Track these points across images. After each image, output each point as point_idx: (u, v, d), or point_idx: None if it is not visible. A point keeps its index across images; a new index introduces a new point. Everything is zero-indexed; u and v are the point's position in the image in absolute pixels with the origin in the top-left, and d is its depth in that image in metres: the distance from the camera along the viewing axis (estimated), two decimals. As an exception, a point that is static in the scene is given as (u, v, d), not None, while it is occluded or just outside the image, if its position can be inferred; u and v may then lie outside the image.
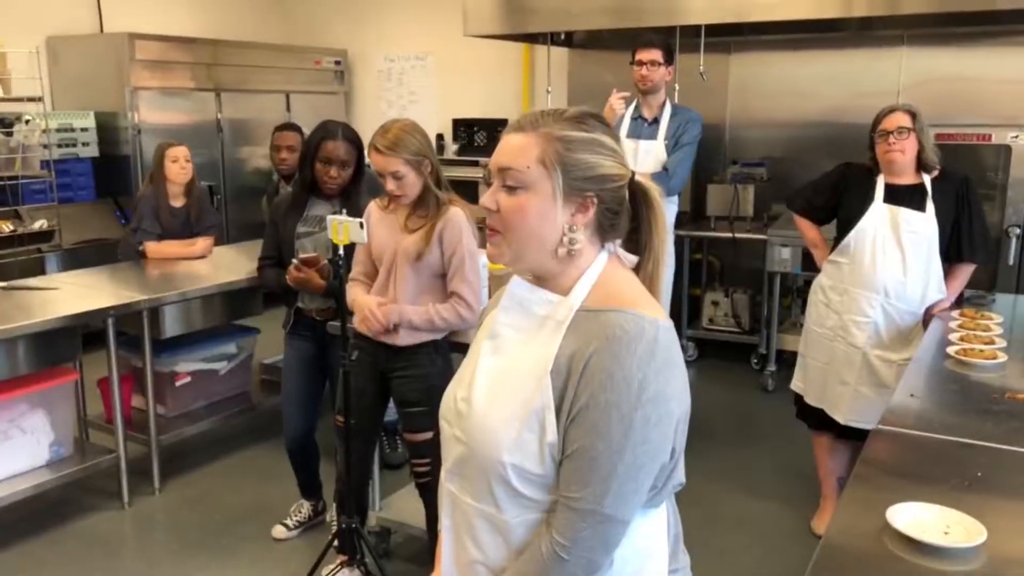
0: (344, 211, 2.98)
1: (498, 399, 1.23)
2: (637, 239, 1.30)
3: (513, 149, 1.23)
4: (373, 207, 2.79)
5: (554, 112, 1.25)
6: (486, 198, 1.25)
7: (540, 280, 1.27)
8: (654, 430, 1.15)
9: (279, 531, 3.39)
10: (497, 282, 3.12)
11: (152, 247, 4.20)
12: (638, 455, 1.15)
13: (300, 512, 3.45)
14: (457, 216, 2.65)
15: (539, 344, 1.22)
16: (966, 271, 3.20)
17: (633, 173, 1.27)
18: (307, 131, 4.11)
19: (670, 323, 1.21)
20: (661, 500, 1.27)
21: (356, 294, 2.74)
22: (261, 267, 3.30)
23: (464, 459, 1.27)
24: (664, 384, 1.16)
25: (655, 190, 1.29)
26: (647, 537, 1.26)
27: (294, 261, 3.03)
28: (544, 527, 1.20)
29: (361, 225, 2.51)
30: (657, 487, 1.22)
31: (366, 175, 3.20)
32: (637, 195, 1.28)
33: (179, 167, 4.17)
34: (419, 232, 2.63)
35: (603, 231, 1.26)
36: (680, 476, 1.27)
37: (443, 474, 1.33)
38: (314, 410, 3.30)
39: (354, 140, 3.08)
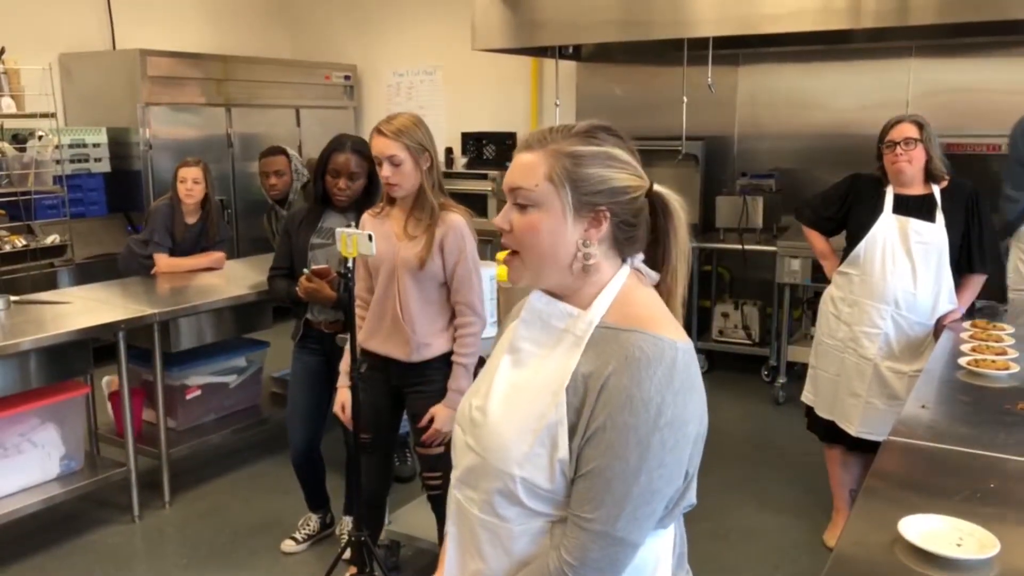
0: (354, 224, 2.99)
1: (513, 411, 1.23)
2: (655, 251, 1.29)
3: (522, 168, 1.23)
4: (366, 216, 2.76)
5: (563, 128, 1.24)
6: (499, 217, 1.25)
7: (560, 295, 1.26)
8: (670, 454, 1.14)
9: (288, 545, 3.39)
10: (506, 294, 3.13)
11: (163, 261, 4.23)
12: (654, 479, 1.13)
13: (308, 525, 3.45)
14: (458, 223, 2.62)
15: (557, 358, 1.22)
16: (977, 282, 3.18)
17: (652, 184, 1.25)
18: (309, 147, 4.09)
19: (690, 344, 1.20)
20: (671, 521, 1.25)
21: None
22: (272, 277, 3.31)
23: (474, 469, 1.26)
24: (683, 408, 1.14)
25: (676, 201, 1.26)
26: (653, 556, 1.25)
27: (305, 271, 3.04)
28: (550, 541, 1.19)
29: (370, 237, 2.50)
30: (668, 508, 1.21)
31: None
32: (657, 206, 1.26)
33: (186, 188, 4.18)
34: (418, 240, 2.60)
35: (620, 244, 1.24)
36: (691, 497, 1.26)
37: (452, 481, 1.33)
38: (320, 423, 3.29)
39: (365, 152, 3.05)
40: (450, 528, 1.34)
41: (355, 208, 3.11)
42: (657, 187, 1.26)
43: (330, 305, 3.09)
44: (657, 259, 1.29)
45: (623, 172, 1.23)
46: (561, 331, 1.24)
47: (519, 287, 1.30)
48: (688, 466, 1.19)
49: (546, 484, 1.18)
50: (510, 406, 1.24)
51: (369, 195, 3.11)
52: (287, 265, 3.24)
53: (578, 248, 1.21)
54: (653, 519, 1.17)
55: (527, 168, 1.22)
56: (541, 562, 1.19)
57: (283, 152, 4.01)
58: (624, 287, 1.24)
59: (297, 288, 3.08)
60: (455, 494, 1.31)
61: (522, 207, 1.22)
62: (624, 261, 1.26)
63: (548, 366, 1.22)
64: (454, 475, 1.32)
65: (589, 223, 1.21)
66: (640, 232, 1.25)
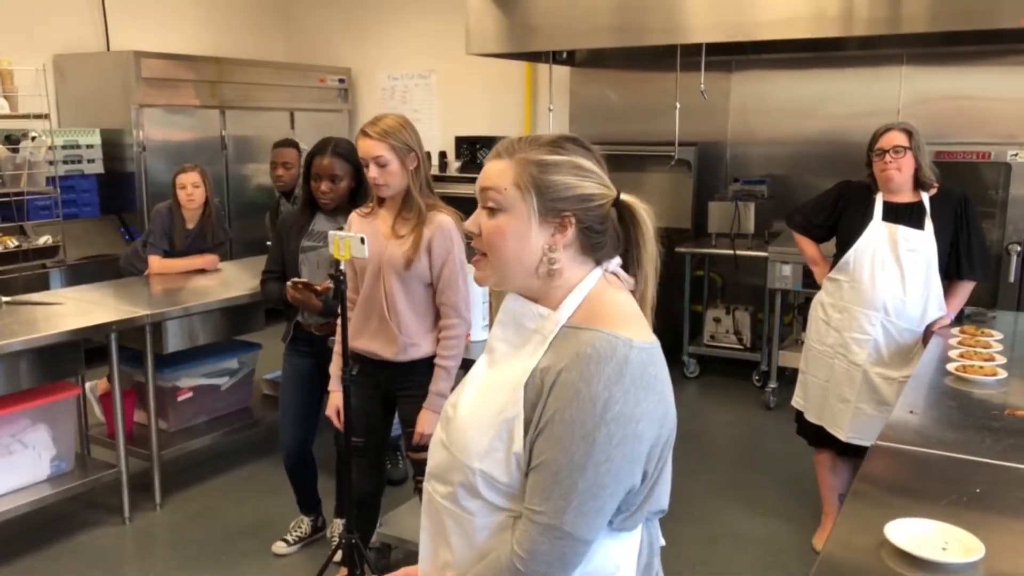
0: (344, 227, 3.00)
1: (478, 408, 1.27)
2: (628, 259, 1.33)
3: (492, 174, 1.28)
4: (354, 216, 2.77)
5: (531, 139, 1.29)
6: (470, 221, 1.30)
7: (531, 297, 1.30)
8: (617, 449, 1.15)
9: (279, 547, 3.39)
10: (498, 298, 3.13)
11: (156, 263, 4.24)
12: (600, 473, 1.15)
13: (300, 528, 3.45)
14: (446, 224, 2.63)
15: (522, 357, 1.26)
16: (966, 288, 3.20)
17: (619, 193, 1.29)
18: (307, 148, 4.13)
19: (652, 345, 1.22)
20: (634, 525, 1.26)
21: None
22: (264, 280, 3.32)
23: (443, 463, 1.30)
24: (632, 405, 1.16)
25: (643, 209, 1.30)
26: (613, 560, 1.26)
27: (290, 282, 3.03)
28: (509, 535, 1.22)
29: (362, 240, 2.51)
30: (629, 510, 1.22)
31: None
32: (624, 214, 1.30)
33: (186, 194, 4.21)
34: (405, 239, 2.61)
35: (590, 250, 1.28)
36: (660, 503, 1.28)
37: (426, 475, 1.36)
38: (312, 425, 3.30)
39: (347, 155, 3.05)
40: (423, 521, 1.36)
41: (345, 211, 3.11)
42: (624, 196, 1.30)
43: (318, 313, 3.09)
44: (631, 266, 1.33)
45: (588, 180, 1.27)
46: (531, 331, 1.27)
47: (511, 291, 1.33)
48: (647, 467, 1.21)
49: (504, 478, 1.21)
50: (477, 403, 1.28)
51: (356, 197, 3.11)
52: (279, 268, 3.24)
53: (544, 253, 1.25)
54: (602, 516, 1.19)
55: (496, 174, 1.27)
56: (496, 554, 1.22)
57: (294, 145, 4.11)
58: (594, 289, 1.27)
59: (287, 294, 3.07)
60: (426, 487, 1.34)
61: (491, 211, 1.27)
62: (597, 264, 1.30)
63: (514, 364, 1.26)
64: (428, 470, 1.35)
65: (555, 228, 1.26)
66: (607, 238, 1.29)
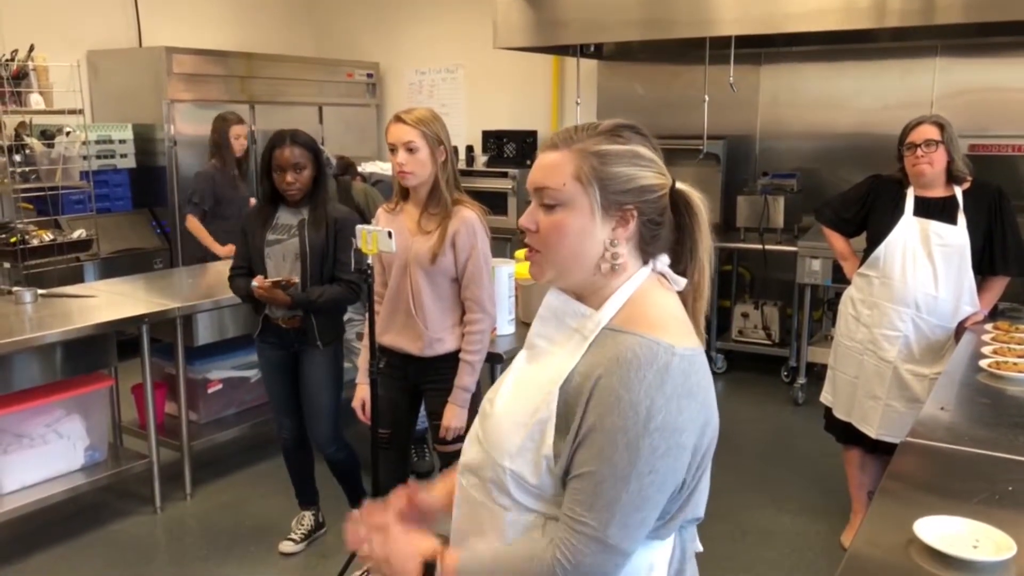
0: (307, 215, 3.05)
1: (513, 405, 1.24)
2: (680, 250, 1.28)
3: (548, 167, 1.22)
4: (381, 212, 2.78)
5: (588, 127, 1.24)
6: (525, 217, 1.25)
7: (580, 295, 1.25)
8: (662, 461, 1.12)
9: (287, 546, 3.36)
10: (524, 292, 3.14)
11: (193, 223, 4.71)
12: (644, 485, 1.12)
13: (303, 524, 3.42)
14: (471, 219, 2.64)
15: (562, 357, 1.22)
16: (999, 284, 3.15)
17: (674, 181, 1.25)
18: (332, 145, 4.18)
19: (696, 351, 1.18)
20: (667, 533, 1.23)
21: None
22: (232, 276, 3.24)
23: (477, 458, 1.28)
24: (675, 414, 1.12)
25: (698, 198, 1.26)
26: (646, 567, 1.22)
27: (254, 285, 3.02)
28: (544, 533, 1.19)
29: (390, 235, 2.52)
30: (664, 519, 1.19)
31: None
32: (679, 204, 1.25)
33: (241, 144, 4.93)
34: (431, 235, 2.62)
35: (645, 243, 1.24)
36: (697, 511, 1.24)
37: (458, 468, 1.33)
38: (301, 410, 3.27)
39: (306, 144, 3.06)
40: (455, 511, 1.34)
41: (308, 201, 3.10)
42: (679, 185, 1.25)
43: (285, 307, 3.08)
44: (683, 257, 1.28)
45: (648, 170, 1.22)
46: (572, 330, 1.24)
47: (538, 285, 1.31)
48: (685, 476, 1.17)
49: (532, 479, 1.18)
50: (513, 400, 1.26)
51: (318, 186, 3.10)
52: (246, 264, 3.18)
53: (605, 248, 1.21)
54: (645, 527, 1.16)
55: (553, 167, 1.22)
56: (537, 555, 1.17)
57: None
58: (639, 289, 1.23)
59: (253, 290, 3.06)
60: (460, 480, 1.32)
61: (549, 207, 1.22)
62: (646, 263, 1.25)
63: (552, 363, 1.23)
64: (462, 462, 1.33)
65: (617, 222, 1.21)
66: (664, 231, 1.25)
